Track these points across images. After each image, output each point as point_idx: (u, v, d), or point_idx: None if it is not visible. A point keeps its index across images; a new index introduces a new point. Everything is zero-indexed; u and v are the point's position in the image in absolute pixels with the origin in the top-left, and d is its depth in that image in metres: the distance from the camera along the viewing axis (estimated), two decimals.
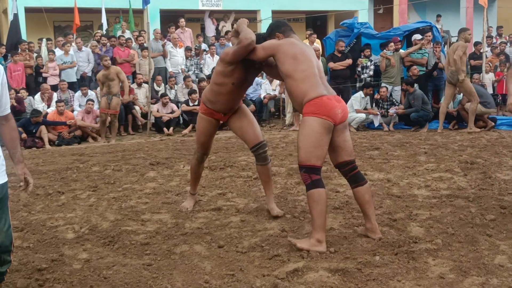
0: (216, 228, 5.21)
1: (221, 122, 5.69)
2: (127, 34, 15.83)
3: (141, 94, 13.43)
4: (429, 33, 13.31)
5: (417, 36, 13.28)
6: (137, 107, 13.12)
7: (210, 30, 19.13)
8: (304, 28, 23.01)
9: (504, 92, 14.45)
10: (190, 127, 12.66)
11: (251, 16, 21.10)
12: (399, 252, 4.41)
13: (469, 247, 4.51)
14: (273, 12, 20.25)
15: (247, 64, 5.17)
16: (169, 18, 19.20)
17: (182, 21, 16.31)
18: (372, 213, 4.75)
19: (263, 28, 19.85)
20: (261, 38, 5.08)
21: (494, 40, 16.40)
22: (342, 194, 6.34)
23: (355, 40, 13.41)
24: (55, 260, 4.50)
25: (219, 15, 19.83)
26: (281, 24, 5.11)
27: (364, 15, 20.56)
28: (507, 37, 17.20)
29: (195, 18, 20.82)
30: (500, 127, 11.88)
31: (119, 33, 16.12)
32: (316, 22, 22.89)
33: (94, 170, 8.14)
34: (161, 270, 4.26)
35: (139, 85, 13.45)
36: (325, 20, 23.20)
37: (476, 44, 15.87)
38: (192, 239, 4.89)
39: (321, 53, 14.07)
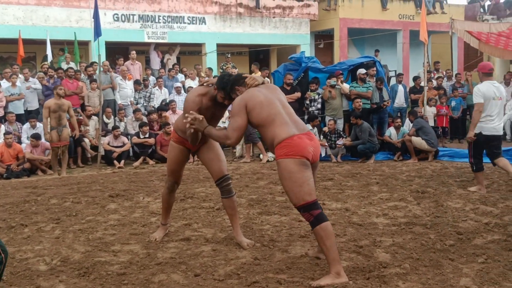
0: (189, 257, 5.30)
1: (191, 151, 5.83)
2: (72, 66, 15.72)
3: (91, 126, 13.36)
4: (374, 68, 13.86)
5: (362, 71, 13.77)
6: (86, 140, 13.02)
7: (155, 63, 19.22)
8: (248, 61, 23.52)
9: (444, 125, 15.20)
10: (141, 159, 12.67)
11: (197, 49, 21.40)
12: (371, 277, 4.63)
13: (435, 270, 4.78)
14: (218, 45, 20.56)
15: (215, 103, 5.39)
16: (114, 51, 19.24)
17: (133, 53, 16.40)
18: None
19: (208, 61, 20.14)
20: (227, 81, 5.19)
21: (432, 75, 17.14)
22: (305, 223, 6.51)
23: (302, 74, 13.79)
24: None
25: (164, 48, 19.98)
26: (239, 77, 5.20)
27: (306, 50, 21.11)
28: (444, 72, 18.01)
29: (140, 50, 20.84)
30: (442, 158, 12.41)
31: (63, 64, 16.01)
32: (259, 56, 23.35)
33: (53, 202, 8.06)
34: None
35: (89, 117, 13.38)
36: (268, 53, 23.70)
37: (416, 78, 16.58)
38: (167, 268, 4.97)
39: None
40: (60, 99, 11.46)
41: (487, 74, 8.29)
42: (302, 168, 4.53)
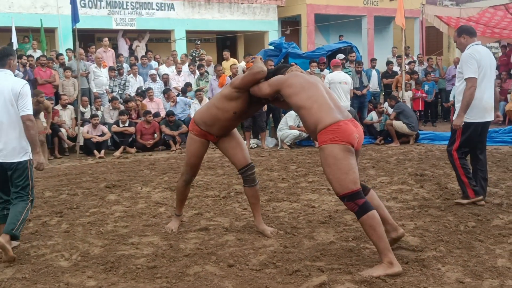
0: (216, 247, 5.16)
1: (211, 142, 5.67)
2: (39, 54, 15.19)
3: (66, 116, 12.92)
4: (354, 53, 13.87)
5: (340, 56, 13.77)
6: (63, 130, 12.60)
7: (124, 50, 18.77)
8: (215, 48, 23.25)
9: (420, 109, 15.38)
10: (121, 149, 12.34)
11: (165, 36, 21.03)
12: (410, 261, 4.58)
13: (469, 252, 4.78)
14: (187, 32, 20.25)
15: (253, 98, 5.26)
16: (81, 38, 18.68)
17: (106, 40, 15.99)
18: (385, 214, 4.78)
19: (177, 48, 19.80)
20: (270, 73, 5.14)
21: (404, 60, 17.25)
22: (320, 209, 6.47)
23: (283, 60, 13.70)
24: None
25: (133, 35, 19.55)
26: (281, 67, 5.21)
27: (273, 36, 21.01)
28: (414, 57, 18.21)
29: (107, 37, 20.39)
30: (422, 141, 12.54)
31: (30, 52, 15.48)
32: (226, 42, 23.13)
33: (48, 195, 7.74)
34: None
35: (64, 106, 12.95)
36: (235, 40, 23.48)
37: (388, 63, 16.66)
38: (198, 260, 4.82)
39: None
40: (38, 105, 10.77)
41: (336, 66, 11.98)
42: (348, 155, 4.39)
